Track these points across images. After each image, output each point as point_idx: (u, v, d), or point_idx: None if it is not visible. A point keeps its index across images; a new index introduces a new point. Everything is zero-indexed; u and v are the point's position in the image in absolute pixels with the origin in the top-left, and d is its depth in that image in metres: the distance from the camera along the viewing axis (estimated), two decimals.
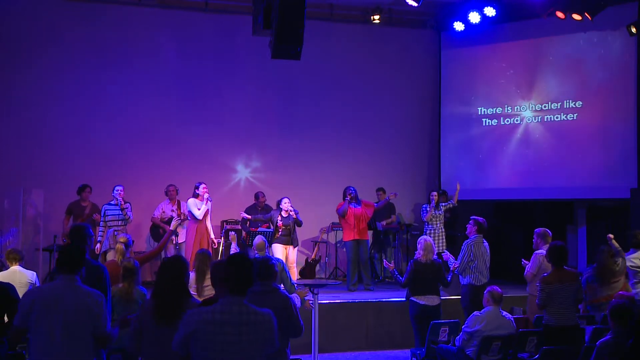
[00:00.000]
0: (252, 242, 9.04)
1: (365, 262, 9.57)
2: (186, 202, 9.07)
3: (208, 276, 6.45)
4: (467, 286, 7.17)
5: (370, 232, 10.14)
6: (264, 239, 7.28)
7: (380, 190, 10.61)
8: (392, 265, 7.24)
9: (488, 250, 7.27)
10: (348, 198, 9.41)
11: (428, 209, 9.72)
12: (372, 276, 10.04)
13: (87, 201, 9.19)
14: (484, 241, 7.25)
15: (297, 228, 9.11)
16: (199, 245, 8.64)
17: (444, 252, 7.59)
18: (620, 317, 4.68)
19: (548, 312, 5.83)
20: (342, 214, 9.44)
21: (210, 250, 8.44)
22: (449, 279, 7.07)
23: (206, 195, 8.87)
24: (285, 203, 9.00)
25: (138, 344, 3.75)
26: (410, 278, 6.87)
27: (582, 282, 6.67)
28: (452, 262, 7.16)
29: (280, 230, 8.91)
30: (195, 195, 8.91)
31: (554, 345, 5.59)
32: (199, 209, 8.79)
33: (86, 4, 10.44)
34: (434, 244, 7.39)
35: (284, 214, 8.98)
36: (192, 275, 6.45)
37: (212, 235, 9.04)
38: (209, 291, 6.47)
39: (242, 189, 11.14)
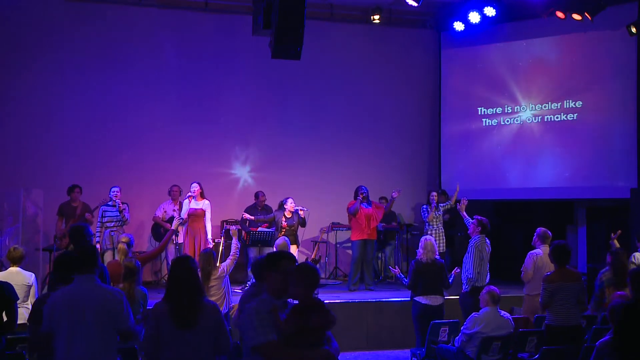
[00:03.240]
0: (251, 242, 9.07)
1: (369, 262, 9.55)
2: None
3: (214, 276, 6.47)
4: (468, 286, 7.13)
5: None
6: (287, 240, 7.01)
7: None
8: (397, 270, 7.14)
9: (489, 251, 7.26)
10: (360, 197, 9.28)
11: (429, 209, 9.70)
12: (372, 276, 10.03)
13: (78, 201, 9.17)
14: (487, 240, 7.22)
15: (299, 228, 9.08)
16: (191, 246, 8.71)
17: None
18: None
19: (551, 312, 5.81)
20: (353, 213, 9.31)
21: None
22: (450, 280, 7.06)
23: (193, 189, 8.83)
24: (290, 203, 8.98)
25: (156, 348, 3.67)
26: (414, 278, 6.86)
27: (596, 286, 6.50)
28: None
29: (284, 230, 8.89)
30: (188, 196, 8.97)
31: (556, 345, 5.58)
32: (183, 209, 8.89)
33: (86, 4, 10.43)
34: (436, 243, 7.35)
35: (287, 214, 8.96)
36: None
37: (209, 236, 8.99)
38: (215, 291, 6.48)
39: (242, 189, 11.14)
